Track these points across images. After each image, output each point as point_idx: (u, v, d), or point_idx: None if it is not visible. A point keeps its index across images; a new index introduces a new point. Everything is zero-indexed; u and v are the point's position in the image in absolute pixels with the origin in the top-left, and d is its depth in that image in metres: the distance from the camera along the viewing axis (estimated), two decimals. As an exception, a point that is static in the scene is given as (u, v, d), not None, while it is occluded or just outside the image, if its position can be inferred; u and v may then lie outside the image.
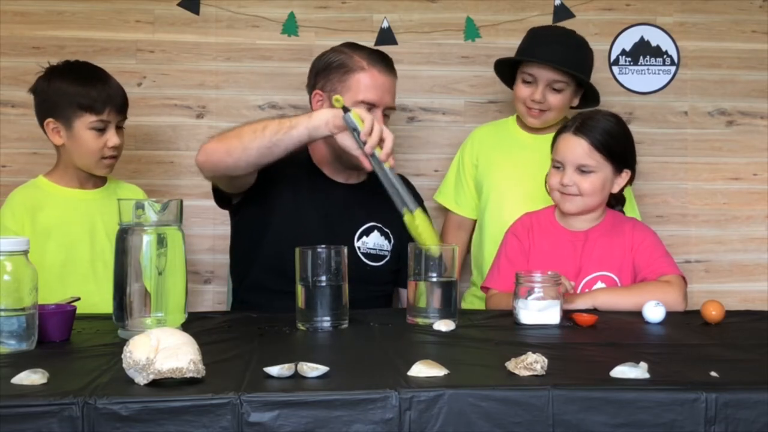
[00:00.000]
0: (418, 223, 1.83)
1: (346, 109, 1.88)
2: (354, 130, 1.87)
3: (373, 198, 2.20)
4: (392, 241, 2.25)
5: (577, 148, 2.10)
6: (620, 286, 2.08)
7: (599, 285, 2.09)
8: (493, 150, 2.51)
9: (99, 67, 2.23)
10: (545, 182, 2.20)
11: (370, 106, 2.15)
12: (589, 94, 2.48)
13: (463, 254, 2.61)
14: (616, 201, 2.24)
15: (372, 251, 2.22)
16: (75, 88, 2.12)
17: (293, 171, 2.18)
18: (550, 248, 2.14)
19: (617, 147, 2.11)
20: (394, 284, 2.32)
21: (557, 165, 2.13)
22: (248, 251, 2.22)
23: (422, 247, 1.81)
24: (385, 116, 2.21)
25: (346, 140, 1.89)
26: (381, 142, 1.87)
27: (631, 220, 2.24)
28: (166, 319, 1.62)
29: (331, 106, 2.13)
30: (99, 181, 2.24)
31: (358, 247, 2.21)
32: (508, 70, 2.50)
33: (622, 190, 2.19)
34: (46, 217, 2.15)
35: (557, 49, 2.40)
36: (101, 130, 2.13)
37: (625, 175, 2.15)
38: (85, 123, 2.12)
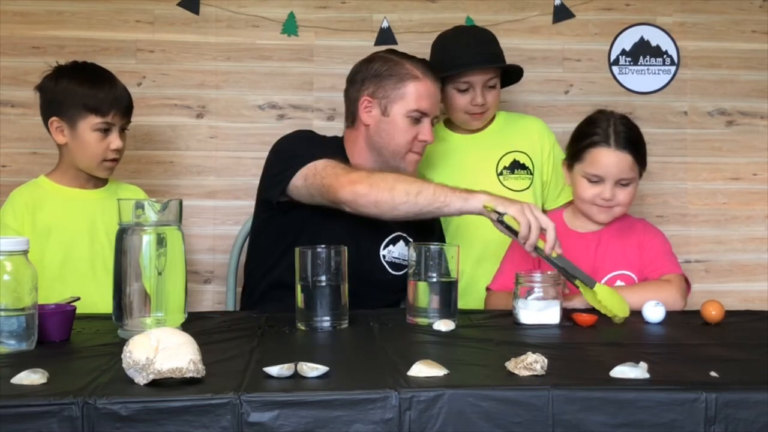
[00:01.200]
0: (600, 299, 1.86)
1: (499, 214, 1.88)
2: (511, 232, 1.90)
3: None
4: None
5: (623, 163, 2.09)
6: (621, 285, 2.08)
7: (619, 284, 2.09)
8: (434, 162, 2.46)
9: (107, 69, 2.24)
10: (573, 194, 2.20)
11: (422, 115, 2.18)
12: (506, 73, 2.46)
13: None
14: None
15: (396, 260, 2.23)
16: (82, 89, 2.12)
17: None
18: (564, 249, 2.12)
19: (643, 154, 2.14)
20: None
21: (594, 179, 2.10)
22: (280, 251, 2.18)
23: (612, 317, 1.85)
24: (432, 125, 2.23)
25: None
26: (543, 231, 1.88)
27: (640, 221, 2.25)
28: (165, 319, 1.62)
29: (382, 113, 2.19)
30: (100, 182, 2.24)
31: (383, 256, 2.22)
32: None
33: None
34: (46, 216, 2.15)
35: (483, 50, 2.40)
36: (105, 132, 2.13)
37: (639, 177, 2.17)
38: (89, 124, 2.12)
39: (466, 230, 2.37)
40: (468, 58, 2.38)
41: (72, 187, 2.20)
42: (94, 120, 2.12)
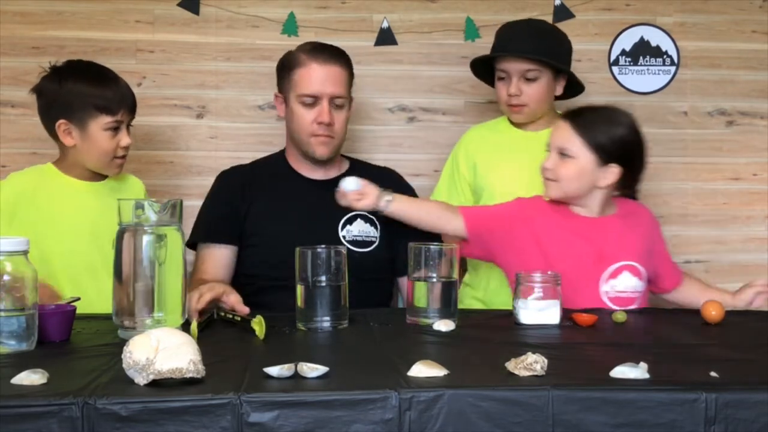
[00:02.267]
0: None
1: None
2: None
3: None
4: (379, 227, 2.28)
5: (559, 130, 2.09)
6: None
7: (625, 274, 2.06)
8: (490, 152, 2.49)
9: (106, 67, 2.23)
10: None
11: (314, 99, 2.23)
12: (572, 82, 2.46)
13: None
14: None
15: (358, 238, 2.25)
16: (90, 89, 2.11)
17: (270, 181, 2.26)
18: (569, 230, 2.09)
19: (605, 138, 2.06)
20: (392, 274, 2.34)
21: (548, 150, 2.12)
22: (243, 274, 2.26)
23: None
24: (339, 107, 2.26)
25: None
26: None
27: (643, 208, 2.22)
28: (165, 319, 1.62)
29: (287, 104, 2.30)
30: (103, 176, 2.22)
31: (343, 236, 2.24)
32: (488, 73, 2.50)
33: (627, 188, 2.14)
34: (47, 204, 2.12)
35: (523, 39, 2.39)
36: (115, 130, 2.13)
37: (615, 170, 2.07)
38: (100, 124, 2.11)
39: None
40: (503, 47, 2.40)
41: (78, 179, 2.18)
42: (105, 119, 2.11)
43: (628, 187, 2.15)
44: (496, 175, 2.44)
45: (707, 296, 2.03)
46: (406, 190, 2.40)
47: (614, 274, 2.06)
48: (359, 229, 2.26)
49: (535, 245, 2.07)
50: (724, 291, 2.18)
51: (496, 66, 2.42)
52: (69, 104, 2.11)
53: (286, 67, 2.30)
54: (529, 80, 2.37)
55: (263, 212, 2.25)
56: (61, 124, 2.11)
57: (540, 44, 2.38)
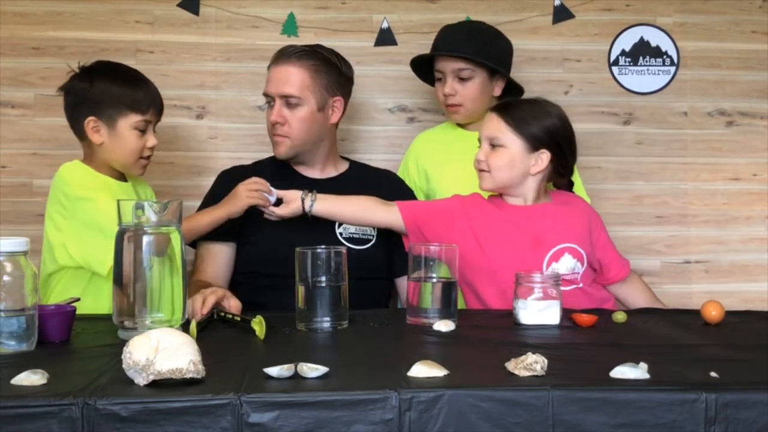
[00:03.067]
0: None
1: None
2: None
3: (352, 187, 2.27)
4: None
5: (488, 122, 2.12)
6: None
7: (566, 257, 2.08)
8: (439, 155, 2.50)
9: (135, 68, 2.25)
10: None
11: (271, 99, 2.27)
12: (511, 84, 2.47)
13: None
14: (561, 188, 2.24)
15: (355, 235, 2.26)
16: (121, 89, 2.13)
17: (270, 179, 2.23)
18: (504, 220, 2.12)
19: (533, 125, 2.09)
20: (390, 274, 2.34)
21: (479, 142, 2.15)
22: (242, 272, 2.27)
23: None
24: (294, 105, 2.25)
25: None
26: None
27: (579, 198, 2.27)
28: (165, 320, 1.62)
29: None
30: (122, 178, 2.23)
31: (340, 233, 2.25)
32: (430, 73, 2.51)
33: (561, 176, 2.18)
34: None
35: (456, 39, 2.42)
36: (143, 131, 2.14)
37: (544, 156, 2.09)
38: (129, 123, 2.12)
39: None
40: (436, 47, 2.44)
41: (106, 176, 2.17)
42: (135, 118, 2.12)
43: (561, 175, 2.18)
44: (447, 177, 2.45)
45: (645, 301, 2.19)
46: (406, 193, 2.40)
47: (555, 257, 2.07)
48: (356, 226, 2.26)
49: (473, 238, 2.10)
50: (660, 304, 2.20)
51: (434, 67, 2.46)
52: (99, 102, 2.12)
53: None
54: (462, 80, 2.41)
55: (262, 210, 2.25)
56: (90, 121, 2.12)
57: (473, 44, 2.41)
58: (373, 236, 2.28)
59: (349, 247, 2.17)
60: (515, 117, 2.09)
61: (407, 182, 2.52)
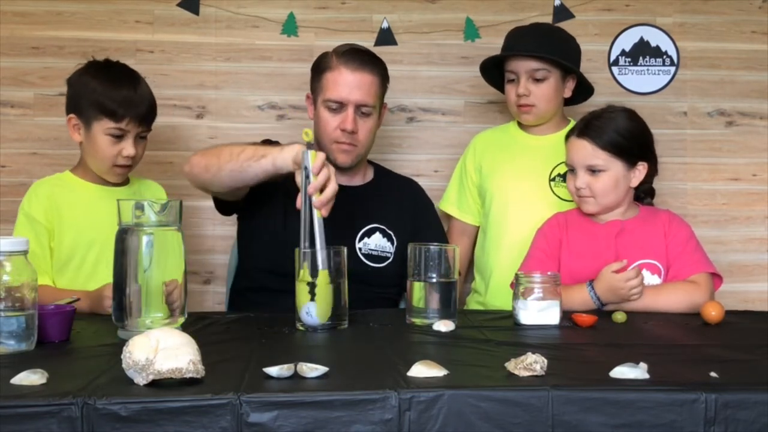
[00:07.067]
0: (319, 287, 1.74)
1: (310, 146, 1.85)
2: (305, 168, 1.81)
3: (376, 200, 2.23)
4: (395, 243, 2.25)
5: (581, 150, 2.12)
6: (649, 287, 2.05)
7: (645, 273, 2.07)
8: (496, 154, 2.51)
9: (135, 72, 2.19)
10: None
11: (339, 105, 2.18)
12: (582, 83, 2.47)
13: (467, 260, 2.60)
14: (645, 194, 2.24)
15: (373, 252, 2.23)
16: (99, 89, 2.07)
17: (293, 182, 2.19)
18: (586, 241, 2.14)
19: (625, 142, 2.12)
20: (401, 288, 2.29)
21: (571, 169, 2.17)
22: (250, 254, 2.24)
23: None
24: (365, 115, 2.21)
25: (298, 177, 1.86)
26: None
27: (666, 212, 2.25)
28: (165, 320, 1.62)
29: (315, 106, 2.23)
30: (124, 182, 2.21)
31: (359, 248, 2.21)
32: (497, 76, 2.51)
33: (645, 182, 2.19)
34: (68, 211, 2.11)
35: (530, 40, 2.41)
36: (118, 137, 2.08)
37: (642, 168, 2.15)
38: (102, 127, 2.07)
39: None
40: (509, 47, 2.42)
41: (96, 183, 2.17)
42: (107, 124, 2.07)
43: (648, 180, 2.20)
44: (501, 177, 2.46)
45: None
46: (427, 204, 2.39)
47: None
48: (376, 243, 2.23)
49: (552, 261, 2.13)
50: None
51: (505, 68, 2.43)
52: (80, 98, 2.09)
53: (318, 68, 2.24)
54: (537, 80, 2.38)
55: (280, 212, 2.19)
56: (71, 119, 2.11)
57: (547, 44, 2.39)
58: (391, 254, 2.24)
59: (365, 264, 2.19)
60: (606, 140, 2.11)
61: (463, 175, 2.54)
